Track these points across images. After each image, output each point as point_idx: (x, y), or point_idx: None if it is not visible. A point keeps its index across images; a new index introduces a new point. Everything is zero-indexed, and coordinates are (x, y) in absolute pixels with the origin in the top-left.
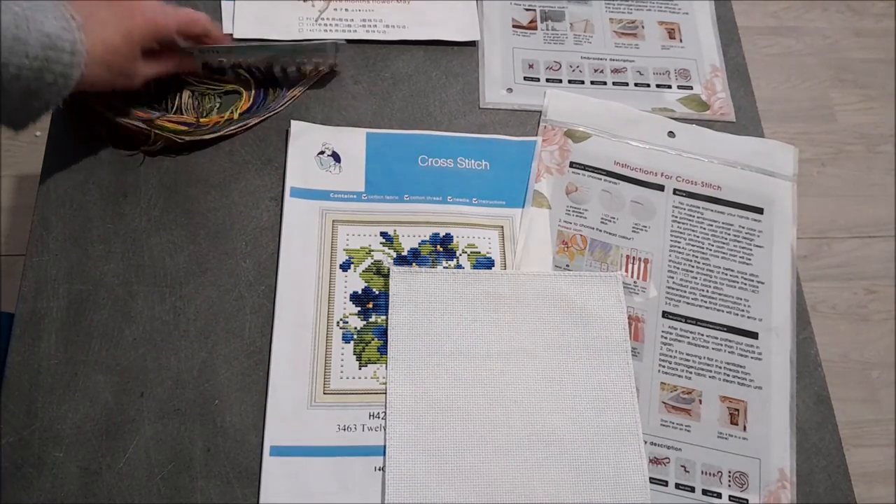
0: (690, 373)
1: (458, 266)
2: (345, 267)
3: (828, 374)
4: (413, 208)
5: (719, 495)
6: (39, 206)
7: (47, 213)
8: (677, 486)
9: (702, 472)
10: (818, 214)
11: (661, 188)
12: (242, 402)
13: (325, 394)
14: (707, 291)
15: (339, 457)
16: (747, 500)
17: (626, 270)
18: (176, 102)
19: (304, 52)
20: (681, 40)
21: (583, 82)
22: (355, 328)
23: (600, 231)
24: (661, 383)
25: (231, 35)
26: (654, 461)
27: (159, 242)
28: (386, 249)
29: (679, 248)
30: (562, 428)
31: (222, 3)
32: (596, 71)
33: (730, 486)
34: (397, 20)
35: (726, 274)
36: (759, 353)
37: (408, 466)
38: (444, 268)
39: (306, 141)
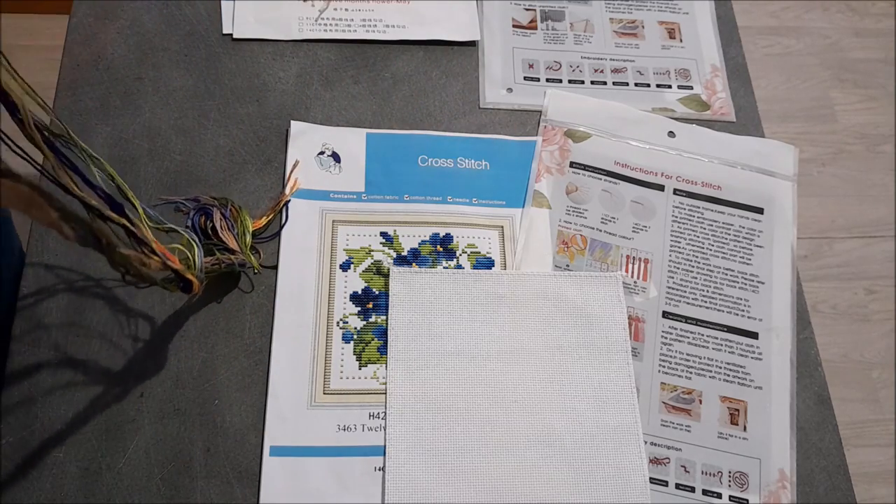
0: (690, 373)
1: (458, 266)
2: (345, 267)
3: (828, 374)
4: (413, 208)
5: (719, 495)
6: None
7: None
8: (677, 486)
9: (702, 473)
10: (818, 214)
11: (661, 188)
12: (242, 402)
13: (325, 394)
14: (707, 291)
15: (339, 457)
16: (747, 500)
17: (626, 270)
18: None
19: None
20: (681, 40)
21: (583, 82)
22: (355, 328)
23: (600, 231)
24: (662, 383)
25: (231, 35)
26: (654, 461)
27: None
28: (386, 249)
29: (679, 248)
30: (562, 428)
31: (222, 3)
32: (596, 71)
33: (730, 486)
34: (397, 20)
35: (726, 274)
36: (760, 353)
37: (408, 466)
38: (444, 268)
39: (306, 141)
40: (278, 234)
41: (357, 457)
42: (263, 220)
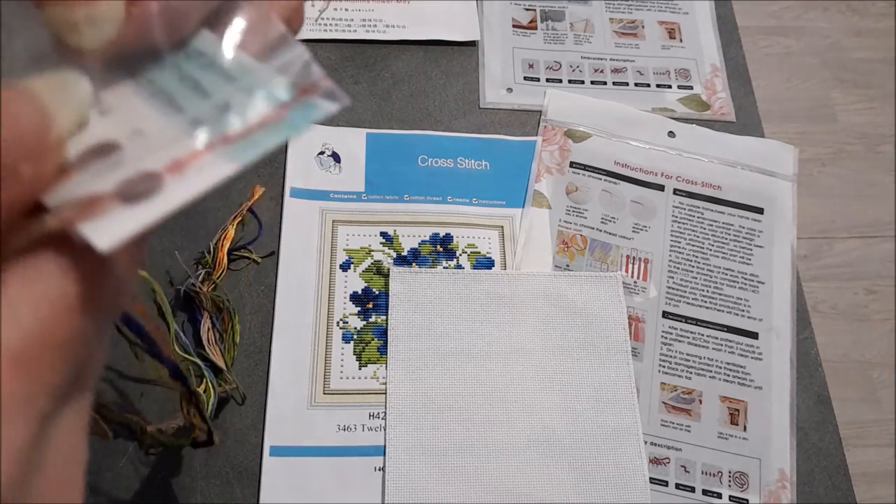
0: (690, 373)
1: (458, 266)
2: (345, 267)
3: (828, 374)
4: (413, 208)
5: (719, 495)
6: None
7: None
8: (677, 486)
9: (702, 472)
10: (818, 214)
11: (661, 188)
12: (242, 402)
13: (324, 394)
14: (707, 291)
15: (339, 457)
16: (747, 500)
17: (626, 270)
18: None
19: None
20: (681, 40)
21: (583, 82)
22: (355, 328)
23: (600, 231)
24: (661, 383)
25: None
26: (654, 461)
27: (159, 242)
28: (386, 249)
29: (679, 248)
30: (562, 428)
31: None
32: (596, 71)
33: (730, 486)
34: (397, 20)
35: (726, 274)
36: (760, 353)
37: (408, 466)
38: (444, 268)
39: (306, 141)
40: (277, 247)
41: (357, 457)
42: (231, 232)
